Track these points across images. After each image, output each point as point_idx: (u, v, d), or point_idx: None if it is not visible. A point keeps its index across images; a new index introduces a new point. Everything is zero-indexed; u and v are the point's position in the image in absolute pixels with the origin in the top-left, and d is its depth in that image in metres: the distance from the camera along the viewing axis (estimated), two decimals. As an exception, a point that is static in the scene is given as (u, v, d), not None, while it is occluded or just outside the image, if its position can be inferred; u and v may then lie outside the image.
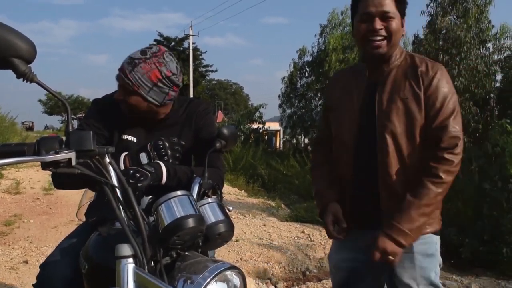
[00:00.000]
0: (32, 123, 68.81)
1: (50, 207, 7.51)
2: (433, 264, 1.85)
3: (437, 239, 1.86)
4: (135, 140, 1.92)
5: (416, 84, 1.72)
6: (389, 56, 1.77)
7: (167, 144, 1.80)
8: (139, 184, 1.56)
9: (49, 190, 8.98)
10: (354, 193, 1.85)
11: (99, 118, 1.91)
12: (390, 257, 1.67)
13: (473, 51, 12.70)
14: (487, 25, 13.00)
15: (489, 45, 13.39)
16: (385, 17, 1.69)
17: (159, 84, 1.82)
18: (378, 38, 1.70)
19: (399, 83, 1.75)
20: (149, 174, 1.63)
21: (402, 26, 1.76)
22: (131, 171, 1.60)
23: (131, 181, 1.54)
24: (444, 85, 1.72)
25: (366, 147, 1.80)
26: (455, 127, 1.70)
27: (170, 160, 1.78)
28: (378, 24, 1.68)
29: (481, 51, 13.11)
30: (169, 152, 1.79)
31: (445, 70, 1.77)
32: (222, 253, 4.82)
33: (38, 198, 8.15)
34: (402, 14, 1.75)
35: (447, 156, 1.68)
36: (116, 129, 1.92)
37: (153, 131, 1.94)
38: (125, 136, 1.92)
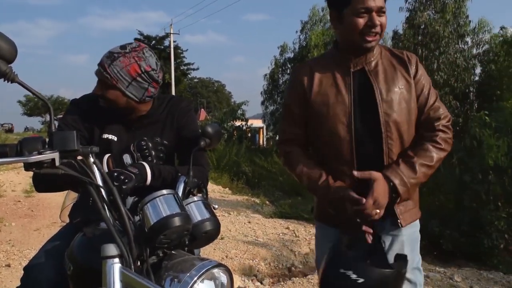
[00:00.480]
0: (12, 125, 67.80)
1: (32, 209, 7.42)
2: (418, 248, 1.92)
3: (418, 224, 1.93)
4: (115, 138, 1.89)
5: (407, 73, 1.79)
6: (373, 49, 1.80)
7: (150, 144, 1.79)
8: (124, 187, 1.55)
9: (31, 193, 8.87)
10: (357, 189, 1.73)
11: (78, 118, 1.88)
12: (377, 210, 1.66)
13: (452, 46, 12.88)
14: (465, 20, 13.18)
15: (468, 39, 13.59)
16: (381, 12, 1.71)
17: (138, 79, 1.80)
18: (375, 32, 1.71)
19: (390, 73, 1.79)
20: (133, 176, 1.61)
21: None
22: (115, 173, 1.58)
23: (115, 183, 1.52)
24: (424, 72, 1.84)
25: (364, 139, 1.77)
26: (444, 108, 1.83)
27: (154, 161, 1.77)
28: (377, 19, 1.69)
29: (460, 46, 13.30)
30: (153, 153, 1.78)
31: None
32: (207, 251, 4.82)
33: (19, 201, 8.05)
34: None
35: (444, 128, 1.79)
36: (96, 128, 1.89)
37: (134, 129, 1.92)
38: (105, 135, 1.88)
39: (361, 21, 1.70)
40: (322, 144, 1.85)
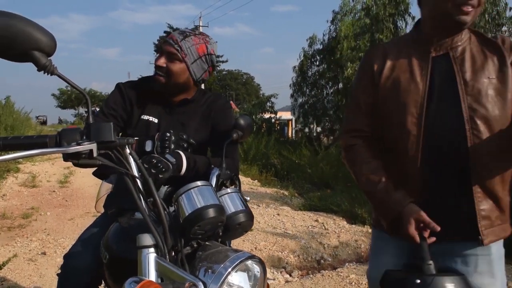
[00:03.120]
0: (46, 117, 69.42)
1: (66, 199, 7.60)
2: (503, 266, 1.61)
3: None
4: (156, 120, 1.94)
5: (501, 61, 1.53)
6: (464, 30, 1.57)
7: (173, 138, 1.78)
8: (160, 176, 1.57)
9: (65, 183, 9.09)
10: (427, 198, 1.54)
11: (119, 100, 1.95)
12: None
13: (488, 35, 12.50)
14: (503, 7, 12.73)
15: (505, 28, 13.14)
16: None
17: (203, 58, 1.92)
18: (470, 6, 1.48)
19: (480, 61, 1.54)
20: (170, 166, 1.62)
21: None
22: (154, 160, 1.59)
23: (153, 171, 1.55)
24: None
25: (439, 136, 1.53)
26: None
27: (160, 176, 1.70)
28: None
29: (497, 34, 12.89)
30: (172, 146, 1.76)
31: None
32: (236, 242, 4.84)
33: (54, 191, 8.25)
34: None
35: None
36: (136, 109, 1.95)
37: (174, 114, 1.97)
38: (145, 117, 1.94)
39: None
40: (388, 138, 1.62)
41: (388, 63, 1.64)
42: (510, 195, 1.57)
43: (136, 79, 2.09)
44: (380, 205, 1.62)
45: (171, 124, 1.95)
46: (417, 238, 1.48)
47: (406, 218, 1.51)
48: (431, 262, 1.46)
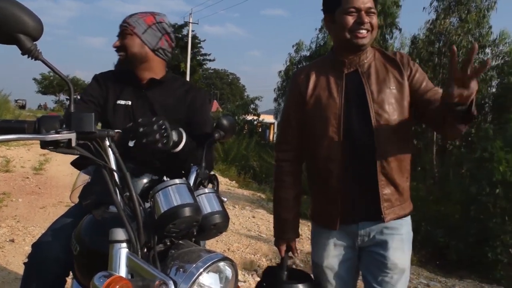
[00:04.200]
0: (25, 101, 68.27)
1: (39, 187, 7.48)
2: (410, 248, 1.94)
3: (410, 220, 1.96)
4: (129, 103, 1.99)
5: (399, 75, 1.84)
6: (366, 50, 1.86)
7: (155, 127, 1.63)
8: (159, 145, 1.47)
9: (39, 170, 8.95)
10: (346, 188, 1.84)
11: (96, 89, 2.02)
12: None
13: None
14: (487, 30, 13.01)
15: (488, 50, 13.41)
16: (369, 12, 1.80)
17: (153, 27, 2.00)
18: (364, 31, 1.80)
19: (382, 75, 1.84)
20: (170, 142, 1.54)
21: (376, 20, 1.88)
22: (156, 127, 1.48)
23: (157, 137, 1.45)
24: (419, 68, 1.88)
25: (356, 140, 1.82)
26: None
27: (159, 145, 1.62)
28: (365, 17, 1.79)
29: (480, 56, 13.13)
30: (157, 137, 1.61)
31: None
32: (210, 242, 4.83)
33: (27, 178, 8.11)
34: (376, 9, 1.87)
35: None
36: (111, 95, 2.00)
37: (144, 96, 2.00)
38: (120, 101, 1.99)
39: (351, 19, 1.79)
40: (314, 147, 1.90)
41: (311, 83, 1.92)
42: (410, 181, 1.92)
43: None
44: (277, 223, 2.07)
45: (142, 106, 1.99)
46: (283, 255, 2.02)
47: (281, 242, 2.04)
48: (285, 272, 1.98)
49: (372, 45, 1.92)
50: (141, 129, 1.45)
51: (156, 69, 2.04)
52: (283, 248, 2.03)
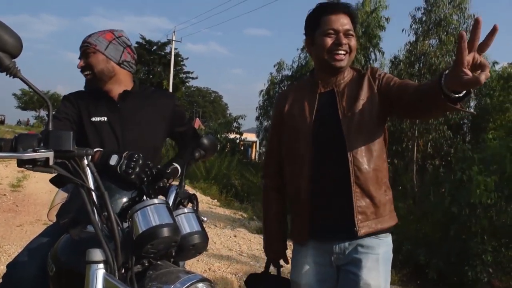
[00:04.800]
0: (4, 116, 67.09)
1: (16, 204, 7.33)
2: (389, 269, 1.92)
3: (391, 241, 1.94)
4: (105, 119, 1.99)
5: (370, 88, 1.87)
6: (344, 70, 1.91)
7: (141, 161, 1.71)
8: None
9: (17, 187, 8.79)
10: (316, 202, 1.86)
11: (69, 107, 2.01)
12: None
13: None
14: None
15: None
16: (348, 34, 1.84)
17: (114, 42, 2.04)
18: (342, 52, 1.83)
19: (355, 91, 1.87)
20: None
21: (355, 42, 1.92)
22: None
23: (142, 176, 1.63)
24: (387, 74, 1.91)
25: (325, 155, 1.85)
26: None
27: (133, 176, 1.64)
28: (343, 39, 1.83)
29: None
30: (137, 170, 1.69)
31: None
32: (190, 262, 4.77)
33: (4, 195, 7.96)
34: (355, 31, 1.92)
35: None
36: (85, 114, 2.00)
37: (121, 110, 2.02)
38: (95, 118, 1.99)
39: (329, 40, 1.84)
40: (288, 162, 1.98)
41: (288, 103, 2.00)
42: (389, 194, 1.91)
43: None
44: (264, 235, 2.18)
45: (119, 119, 2.00)
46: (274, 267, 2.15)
47: (270, 254, 2.15)
48: (268, 278, 2.17)
49: (352, 66, 1.96)
50: (124, 168, 1.61)
51: (125, 82, 2.08)
52: (272, 258, 2.13)
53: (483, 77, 1.34)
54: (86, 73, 2.01)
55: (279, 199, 2.09)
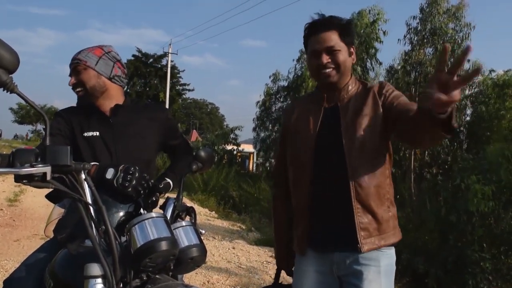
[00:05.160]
0: (1, 131, 67.15)
1: (14, 219, 7.30)
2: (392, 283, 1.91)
3: (394, 253, 1.93)
4: (97, 133, 2.00)
5: (375, 103, 1.86)
6: (345, 85, 1.92)
7: (137, 174, 1.72)
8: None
9: (14, 202, 8.76)
10: (316, 214, 1.88)
11: (62, 123, 2.02)
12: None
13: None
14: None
15: (461, 80, 13.71)
16: (330, 51, 1.85)
17: (104, 57, 2.05)
18: (327, 70, 1.85)
19: (359, 106, 1.87)
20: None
21: (351, 55, 1.92)
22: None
23: (139, 189, 1.67)
24: (393, 89, 1.90)
25: (326, 169, 1.86)
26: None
27: (129, 189, 1.67)
28: (325, 58, 1.85)
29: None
30: (134, 182, 1.68)
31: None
32: (189, 275, 4.74)
33: (1, 209, 7.93)
34: (350, 44, 1.91)
35: None
36: (77, 129, 2.01)
37: (113, 125, 2.03)
38: (87, 133, 2.00)
39: (313, 61, 1.89)
40: (291, 173, 2.01)
41: (295, 115, 2.04)
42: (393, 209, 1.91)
43: None
44: (275, 248, 2.26)
45: (112, 133, 2.01)
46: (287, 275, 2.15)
47: (280, 266, 2.21)
48: None
49: (360, 79, 1.99)
50: (121, 182, 1.65)
51: (116, 96, 2.09)
52: (281, 267, 2.19)
53: (453, 97, 1.31)
54: (78, 89, 2.02)
55: (286, 208, 2.09)
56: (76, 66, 1.99)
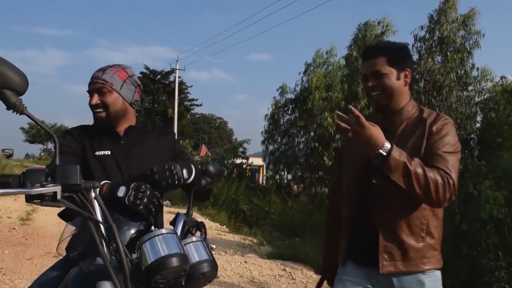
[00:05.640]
0: (12, 150, 67.94)
1: (26, 237, 7.33)
2: None
3: (440, 276, 1.97)
4: (108, 152, 2.01)
5: (421, 137, 1.87)
6: (401, 109, 1.96)
7: (148, 192, 1.73)
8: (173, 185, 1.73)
9: (26, 220, 8.81)
10: (356, 232, 1.99)
11: (72, 141, 2.02)
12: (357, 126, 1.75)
13: (455, 93, 12.92)
14: (471, 68, 13.28)
15: (471, 87, 13.69)
16: (377, 75, 1.92)
17: (127, 81, 2.05)
18: (374, 93, 1.94)
19: (407, 134, 1.91)
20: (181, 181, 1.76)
21: (399, 79, 1.93)
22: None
23: (170, 181, 1.71)
24: (446, 133, 1.85)
25: (369, 187, 1.91)
26: (450, 164, 1.81)
27: (141, 207, 1.66)
28: (371, 82, 1.94)
29: (464, 94, 13.38)
30: (145, 200, 1.68)
31: (452, 125, 1.91)
32: (201, 290, 4.72)
33: (14, 228, 7.97)
34: (401, 68, 1.93)
35: (447, 171, 1.79)
36: (88, 148, 2.01)
37: (125, 145, 2.05)
38: (99, 152, 2.00)
39: (364, 85, 2.01)
40: (344, 185, 2.09)
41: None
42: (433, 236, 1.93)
43: None
44: (322, 257, 2.34)
45: (123, 153, 2.02)
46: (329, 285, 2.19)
47: (323, 275, 2.30)
48: None
49: (422, 105, 2.06)
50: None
51: (131, 119, 2.11)
52: (324, 277, 2.29)
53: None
54: (99, 110, 2.00)
55: (337, 219, 2.15)
56: (102, 88, 1.98)
